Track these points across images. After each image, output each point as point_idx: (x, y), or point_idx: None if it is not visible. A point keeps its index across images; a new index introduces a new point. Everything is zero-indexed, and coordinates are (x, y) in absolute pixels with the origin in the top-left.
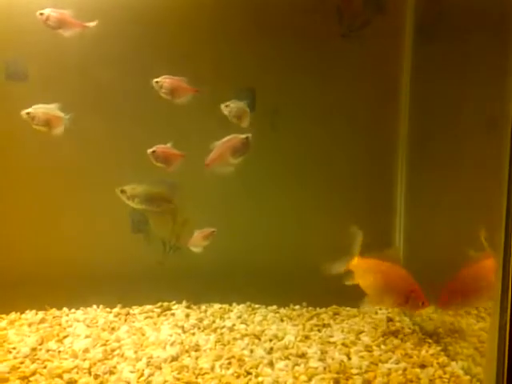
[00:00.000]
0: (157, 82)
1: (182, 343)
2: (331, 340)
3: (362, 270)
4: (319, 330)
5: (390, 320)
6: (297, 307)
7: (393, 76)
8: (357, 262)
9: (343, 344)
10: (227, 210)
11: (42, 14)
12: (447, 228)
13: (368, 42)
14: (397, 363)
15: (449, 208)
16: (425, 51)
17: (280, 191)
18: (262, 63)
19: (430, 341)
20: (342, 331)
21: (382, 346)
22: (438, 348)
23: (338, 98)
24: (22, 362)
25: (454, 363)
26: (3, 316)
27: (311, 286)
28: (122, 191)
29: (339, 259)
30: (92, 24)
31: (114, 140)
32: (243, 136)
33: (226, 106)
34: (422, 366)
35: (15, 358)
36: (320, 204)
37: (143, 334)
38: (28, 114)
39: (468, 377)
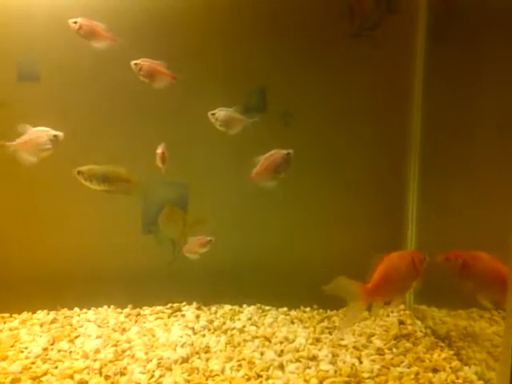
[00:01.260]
0: (135, 63)
1: (192, 345)
2: (342, 343)
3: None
4: (330, 333)
5: (401, 323)
6: (307, 309)
7: (405, 77)
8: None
9: (354, 347)
10: (238, 211)
11: (75, 22)
12: (459, 232)
13: (380, 42)
14: (409, 367)
15: (461, 213)
16: (437, 51)
17: (291, 192)
18: (273, 63)
19: (442, 344)
20: (354, 334)
21: (394, 350)
22: (451, 352)
23: (350, 98)
24: (33, 362)
25: (466, 368)
26: (15, 315)
27: (321, 289)
28: (79, 172)
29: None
30: (120, 40)
31: (125, 140)
32: (285, 152)
33: (213, 114)
34: (435, 371)
35: (27, 357)
36: (331, 206)
37: (154, 335)
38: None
39: (481, 382)
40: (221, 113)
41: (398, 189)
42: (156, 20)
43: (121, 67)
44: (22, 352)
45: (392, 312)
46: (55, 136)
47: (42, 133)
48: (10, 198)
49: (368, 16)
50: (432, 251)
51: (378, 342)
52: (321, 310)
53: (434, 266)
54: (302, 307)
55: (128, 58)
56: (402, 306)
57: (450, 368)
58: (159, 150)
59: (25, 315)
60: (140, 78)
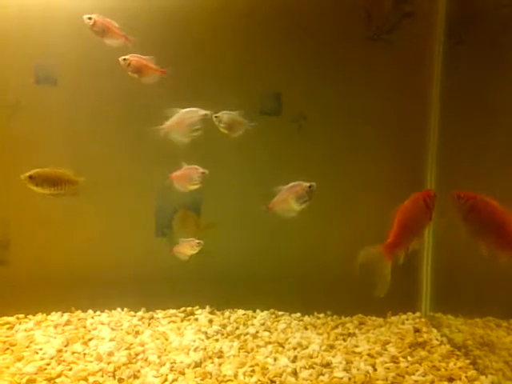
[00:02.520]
0: (124, 59)
1: (205, 349)
2: (356, 350)
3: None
4: (344, 340)
5: (417, 331)
6: (321, 315)
7: (422, 80)
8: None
9: (369, 354)
10: (252, 216)
11: (90, 18)
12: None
13: (397, 46)
14: (424, 376)
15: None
16: (455, 55)
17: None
18: (288, 67)
19: (458, 353)
20: (368, 341)
21: (409, 358)
22: (467, 361)
23: (366, 102)
24: (48, 364)
25: (483, 377)
26: (30, 317)
27: (336, 294)
28: (31, 177)
29: None
30: (133, 39)
31: (140, 144)
32: (307, 184)
33: (216, 117)
34: (450, 380)
35: (42, 359)
36: (346, 212)
37: (167, 339)
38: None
39: None
40: (224, 116)
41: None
42: (171, 24)
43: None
44: (37, 353)
45: (407, 320)
46: (205, 115)
47: (192, 113)
48: (25, 200)
49: (385, 19)
50: (451, 255)
51: (392, 350)
52: (335, 316)
53: (452, 273)
54: (315, 313)
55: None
56: (417, 314)
57: (466, 377)
58: (201, 170)
59: (39, 316)
60: (129, 73)
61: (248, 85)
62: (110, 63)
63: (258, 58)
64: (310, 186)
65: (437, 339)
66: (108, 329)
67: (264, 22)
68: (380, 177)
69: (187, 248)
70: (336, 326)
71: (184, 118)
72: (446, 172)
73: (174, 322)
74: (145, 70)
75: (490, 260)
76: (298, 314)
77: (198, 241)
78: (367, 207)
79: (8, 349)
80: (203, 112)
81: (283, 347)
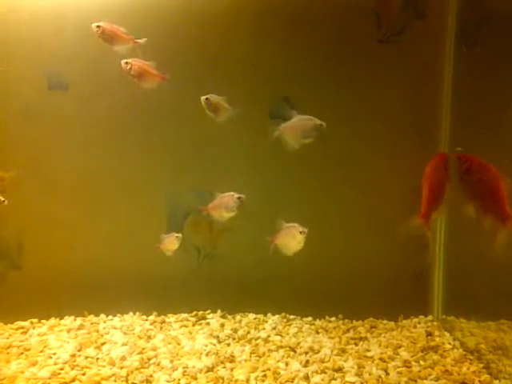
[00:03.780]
0: (126, 62)
1: (217, 353)
2: (368, 354)
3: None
4: (356, 344)
5: (429, 334)
6: (332, 319)
7: (433, 82)
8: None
9: (381, 359)
10: (263, 220)
11: (98, 26)
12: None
13: (407, 48)
14: (436, 380)
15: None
16: (466, 57)
17: (317, 202)
18: (298, 70)
19: (471, 357)
20: (380, 345)
21: (421, 362)
22: (480, 365)
23: (376, 105)
24: (61, 368)
25: (496, 382)
26: (43, 321)
27: (347, 298)
28: None
29: None
30: (142, 41)
31: (152, 148)
32: (237, 195)
33: (206, 98)
34: None
35: (55, 363)
36: (357, 216)
37: (179, 343)
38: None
39: None
40: (213, 99)
41: None
42: (182, 28)
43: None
44: (51, 358)
45: (419, 323)
46: (320, 125)
47: (307, 121)
48: (38, 206)
49: (395, 22)
50: (463, 257)
51: (404, 354)
52: (346, 320)
53: (464, 276)
54: (326, 317)
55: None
56: (429, 317)
57: (479, 382)
58: (237, 196)
59: (52, 321)
60: (129, 77)
61: (258, 88)
62: (121, 69)
63: (268, 62)
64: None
65: (449, 343)
66: (120, 333)
67: (274, 25)
68: (393, 178)
69: (171, 243)
70: (347, 330)
71: (299, 124)
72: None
73: (185, 326)
74: (145, 75)
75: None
76: (310, 318)
77: (177, 235)
78: (379, 211)
79: (22, 353)
80: (318, 122)
81: (295, 351)
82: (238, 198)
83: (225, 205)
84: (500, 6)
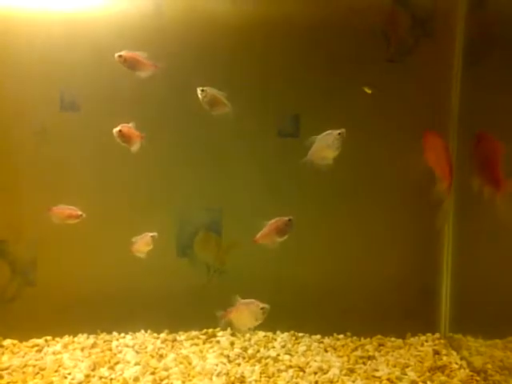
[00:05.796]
0: (120, 55)
1: (227, 374)
2: (376, 374)
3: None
4: (364, 363)
5: (436, 353)
6: (341, 336)
7: (441, 101)
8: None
9: (388, 379)
10: None
11: (120, 56)
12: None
13: (415, 67)
14: None
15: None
16: (475, 76)
17: (325, 219)
18: (307, 89)
19: (478, 378)
20: (388, 364)
21: (429, 383)
22: None
23: (385, 124)
24: None
25: None
26: (57, 339)
27: (355, 315)
28: None
29: None
30: (162, 65)
31: (163, 166)
32: (286, 218)
33: (202, 90)
34: None
35: None
36: (365, 233)
37: (190, 363)
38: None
39: None
40: (209, 92)
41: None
42: (194, 44)
43: (161, 96)
44: (66, 378)
45: (426, 341)
46: (339, 134)
47: (329, 136)
48: (52, 222)
49: (403, 41)
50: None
51: (412, 374)
52: (354, 338)
53: (471, 293)
54: (335, 334)
55: (167, 86)
56: (437, 335)
57: None
58: (116, 130)
59: (66, 339)
60: (125, 67)
61: (266, 106)
62: (133, 90)
63: (277, 80)
64: (289, 220)
65: (456, 363)
66: (133, 352)
67: (283, 44)
68: (402, 197)
69: (142, 245)
70: (356, 348)
71: (323, 143)
72: (466, 193)
73: (196, 344)
74: (139, 65)
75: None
76: (318, 336)
77: (151, 234)
78: (387, 228)
79: (38, 373)
80: (337, 131)
81: (304, 371)
82: (289, 220)
83: (276, 230)
84: (508, 24)
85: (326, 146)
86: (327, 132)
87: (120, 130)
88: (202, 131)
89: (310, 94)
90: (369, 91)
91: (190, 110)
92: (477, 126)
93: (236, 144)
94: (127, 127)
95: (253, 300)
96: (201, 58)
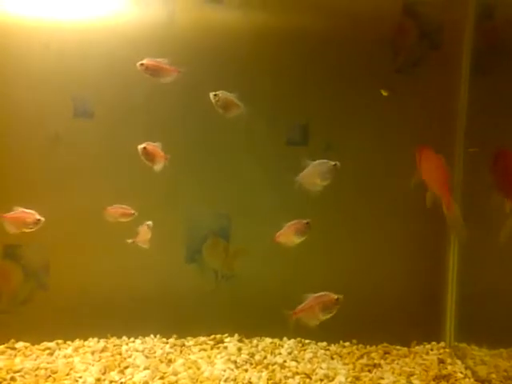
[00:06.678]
0: (141, 64)
1: (235, 380)
2: (382, 382)
3: None
4: (369, 371)
5: (441, 362)
6: (347, 344)
7: (448, 111)
8: None
9: None
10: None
11: (142, 64)
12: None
13: (423, 78)
14: None
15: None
16: (482, 87)
17: (331, 227)
18: (315, 98)
19: None
20: (393, 373)
21: None
22: None
23: (392, 133)
24: None
25: None
26: (69, 342)
27: (361, 323)
28: None
29: None
30: (184, 69)
31: (173, 171)
32: (305, 221)
33: (215, 94)
34: None
35: None
36: (372, 239)
37: (198, 368)
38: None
39: None
40: (221, 95)
41: (440, 232)
42: (204, 53)
43: (172, 103)
44: (77, 381)
45: (432, 350)
46: (334, 165)
47: (322, 165)
48: (64, 226)
49: (411, 51)
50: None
51: (417, 383)
52: (360, 345)
53: (476, 302)
54: (341, 341)
55: (179, 93)
56: (442, 344)
57: None
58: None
59: (77, 342)
60: (147, 75)
61: (276, 115)
62: (145, 97)
63: (286, 90)
64: (307, 223)
65: (461, 372)
66: (142, 356)
67: (292, 53)
68: (406, 203)
69: (145, 234)
70: (361, 356)
71: (315, 170)
72: (472, 199)
73: (204, 349)
74: (161, 71)
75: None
76: (324, 343)
77: (148, 223)
78: (393, 237)
79: (50, 376)
80: (332, 163)
81: (310, 378)
82: (307, 223)
83: (295, 230)
84: None
85: (317, 173)
86: (322, 161)
87: (145, 148)
88: (212, 138)
89: (319, 103)
90: (385, 93)
91: (200, 117)
92: (484, 137)
93: (245, 152)
94: (152, 146)
95: (324, 293)
96: (211, 66)
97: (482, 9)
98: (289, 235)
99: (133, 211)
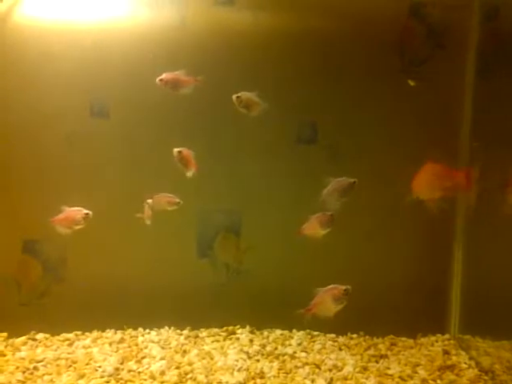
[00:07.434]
0: (161, 79)
1: (247, 369)
2: (389, 372)
3: None
4: (377, 361)
5: (446, 353)
6: (354, 335)
7: (454, 112)
8: None
9: (400, 377)
10: (291, 237)
11: (161, 80)
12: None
13: (429, 78)
14: None
15: None
16: (487, 87)
17: (339, 221)
18: (323, 97)
19: (485, 378)
20: (399, 363)
21: (438, 381)
22: None
23: (398, 133)
24: (107, 382)
25: None
26: (87, 334)
27: (368, 315)
28: None
29: None
30: (201, 78)
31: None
32: (329, 213)
33: (238, 97)
34: None
35: (102, 376)
36: (381, 234)
37: (212, 358)
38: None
39: None
40: (244, 96)
41: (446, 226)
42: (215, 55)
43: (186, 103)
44: (97, 370)
45: (436, 341)
46: (353, 182)
47: (342, 182)
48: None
49: (418, 52)
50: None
51: (422, 373)
52: (367, 337)
53: (481, 294)
54: (349, 333)
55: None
56: (446, 336)
57: None
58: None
59: (95, 333)
60: (167, 89)
61: (286, 114)
62: (161, 98)
63: (296, 89)
64: (331, 215)
65: (465, 362)
66: (158, 347)
67: (301, 54)
68: (414, 200)
69: (147, 212)
70: (369, 347)
71: (336, 186)
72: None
73: (217, 341)
74: (180, 83)
75: None
76: (333, 335)
77: (148, 200)
78: (399, 230)
79: (71, 366)
80: (352, 180)
81: (320, 368)
82: (331, 215)
83: (320, 223)
84: None
85: (338, 190)
86: (342, 178)
87: (180, 151)
88: (224, 136)
89: (328, 102)
90: (412, 83)
91: (213, 117)
92: (489, 136)
93: (256, 149)
94: (187, 151)
95: (332, 285)
96: (222, 67)
97: (487, 9)
98: (314, 227)
99: (178, 200)
